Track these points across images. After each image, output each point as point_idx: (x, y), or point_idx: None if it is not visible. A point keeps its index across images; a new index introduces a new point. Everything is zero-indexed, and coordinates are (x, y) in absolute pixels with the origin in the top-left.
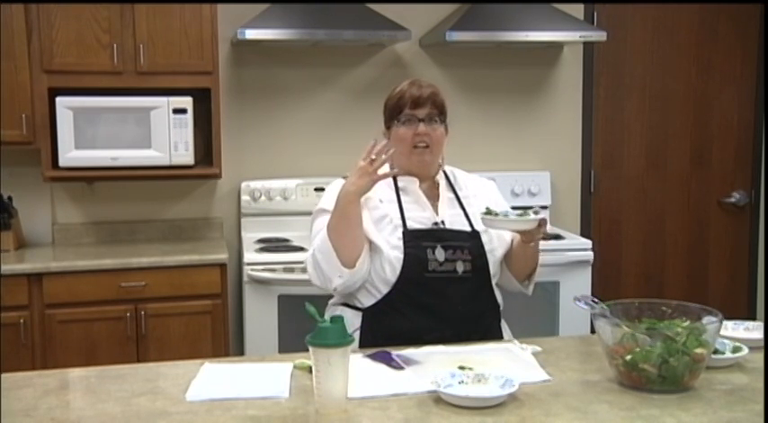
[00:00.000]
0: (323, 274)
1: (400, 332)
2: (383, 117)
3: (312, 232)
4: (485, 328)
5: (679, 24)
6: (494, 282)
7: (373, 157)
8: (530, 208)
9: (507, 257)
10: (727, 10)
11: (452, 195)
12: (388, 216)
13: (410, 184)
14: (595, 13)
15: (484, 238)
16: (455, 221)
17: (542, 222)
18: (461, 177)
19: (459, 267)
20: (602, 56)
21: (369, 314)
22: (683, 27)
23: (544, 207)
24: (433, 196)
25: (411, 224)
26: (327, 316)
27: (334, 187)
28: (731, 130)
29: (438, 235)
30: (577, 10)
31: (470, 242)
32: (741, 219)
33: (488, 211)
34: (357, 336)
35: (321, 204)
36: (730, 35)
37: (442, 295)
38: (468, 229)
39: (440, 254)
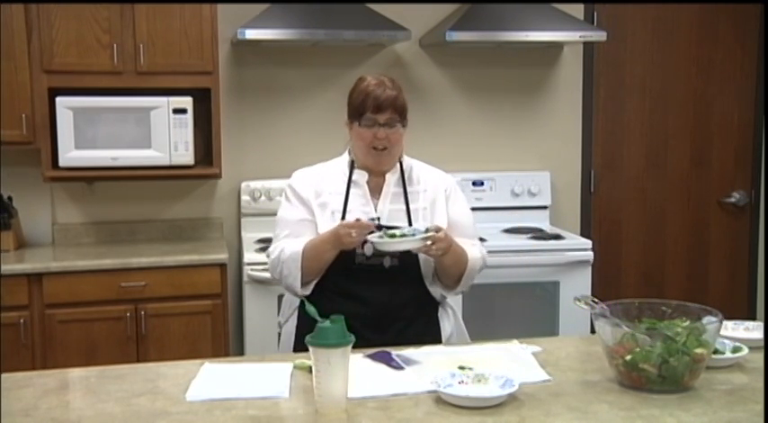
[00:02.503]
0: (283, 279)
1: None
2: (347, 108)
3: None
4: (409, 320)
5: (679, 24)
6: (428, 277)
7: (354, 234)
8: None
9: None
10: (727, 10)
11: (399, 189)
12: (329, 206)
13: (361, 177)
14: (595, 13)
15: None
16: (393, 217)
17: (434, 240)
18: (417, 171)
19: (387, 262)
20: (602, 56)
21: (306, 298)
22: (683, 27)
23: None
24: (378, 191)
25: (349, 218)
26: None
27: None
28: (731, 130)
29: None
30: (577, 10)
31: None
32: (741, 219)
33: (383, 235)
34: (295, 315)
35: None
36: (730, 35)
37: (367, 286)
38: (405, 225)
39: (368, 248)
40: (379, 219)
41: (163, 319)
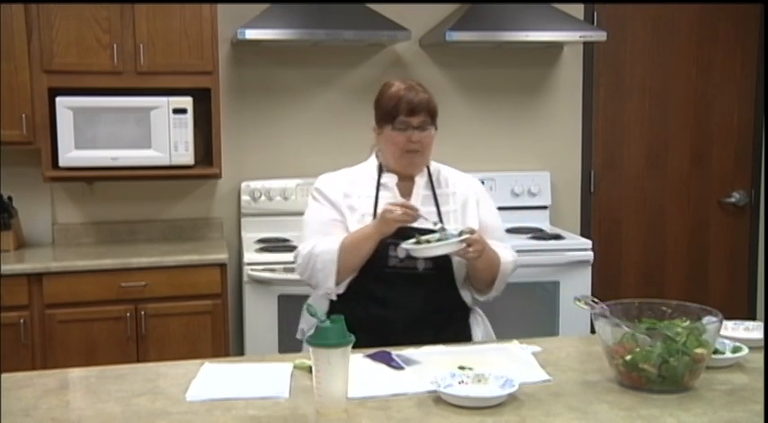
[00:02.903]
0: (316, 274)
1: (359, 322)
2: (374, 113)
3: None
4: (441, 326)
5: (679, 24)
6: (459, 281)
7: (399, 211)
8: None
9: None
10: (727, 10)
11: (429, 193)
12: (359, 209)
13: (390, 180)
14: (595, 13)
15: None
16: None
17: (471, 242)
18: (445, 174)
19: (421, 265)
20: (602, 56)
21: (334, 302)
22: (683, 27)
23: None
24: (408, 194)
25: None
26: (311, 297)
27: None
28: (731, 130)
29: (403, 233)
30: (577, 10)
31: None
32: (741, 219)
33: (417, 241)
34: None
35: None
36: (730, 35)
37: (401, 291)
38: (436, 226)
39: (401, 251)
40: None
41: (163, 319)
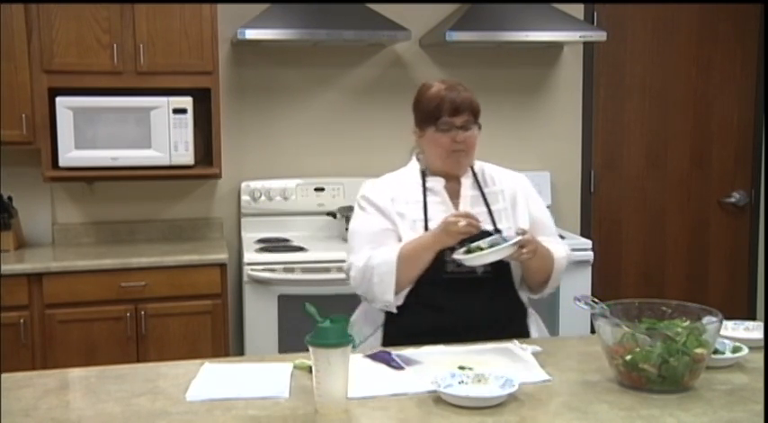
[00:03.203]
0: (373, 287)
1: (419, 332)
2: (414, 116)
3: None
4: (503, 328)
5: (679, 24)
6: (517, 281)
7: (463, 223)
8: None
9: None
10: (727, 10)
11: (477, 193)
12: (408, 216)
13: (437, 183)
14: (595, 13)
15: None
16: None
17: (523, 243)
18: (490, 172)
19: (480, 269)
20: (602, 56)
21: (390, 313)
22: (683, 27)
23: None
24: (456, 195)
25: (433, 226)
26: (358, 310)
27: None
28: (731, 130)
29: None
30: (577, 10)
31: None
32: (741, 219)
33: (468, 249)
34: (380, 333)
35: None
36: (730, 35)
37: (461, 296)
38: (490, 227)
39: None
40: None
41: (163, 319)
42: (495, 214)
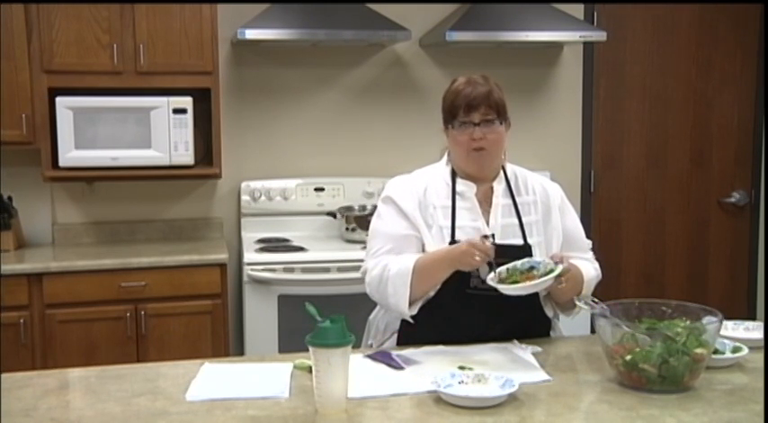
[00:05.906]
0: (388, 298)
1: (434, 344)
2: (441, 114)
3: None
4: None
5: (679, 24)
6: (542, 297)
7: (478, 258)
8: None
9: None
10: (727, 10)
11: (509, 201)
12: (436, 221)
13: (468, 189)
14: (595, 13)
15: (535, 252)
16: (507, 233)
17: (563, 273)
18: (523, 178)
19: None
20: (602, 56)
21: (407, 322)
22: (683, 27)
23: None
24: (488, 203)
25: (459, 235)
26: (377, 310)
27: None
28: (731, 130)
29: None
30: (577, 10)
31: (520, 258)
32: (741, 219)
33: (501, 277)
34: (395, 338)
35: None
36: (730, 35)
37: (481, 313)
38: (519, 241)
39: (484, 271)
40: (493, 235)
41: (163, 319)
42: (527, 227)
